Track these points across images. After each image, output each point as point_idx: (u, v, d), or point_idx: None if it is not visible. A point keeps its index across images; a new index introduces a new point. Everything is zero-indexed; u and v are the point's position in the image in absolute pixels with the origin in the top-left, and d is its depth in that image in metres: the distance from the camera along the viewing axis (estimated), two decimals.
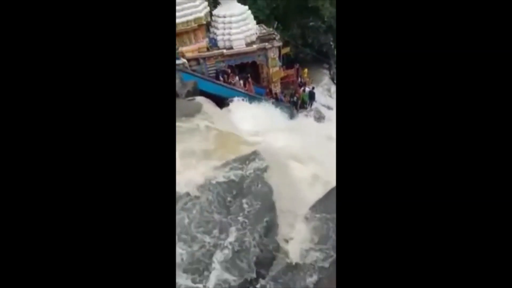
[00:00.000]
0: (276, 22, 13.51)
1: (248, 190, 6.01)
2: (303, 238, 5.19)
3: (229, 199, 5.86)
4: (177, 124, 7.19)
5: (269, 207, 5.74)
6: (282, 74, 11.60)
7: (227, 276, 4.61)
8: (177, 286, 4.24)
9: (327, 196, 5.95)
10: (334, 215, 5.35)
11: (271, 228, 5.39)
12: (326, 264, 4.77)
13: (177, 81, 8.21)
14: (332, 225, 5.31)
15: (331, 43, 14.59)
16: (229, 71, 10.19)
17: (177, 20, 9.32)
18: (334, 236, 5.16)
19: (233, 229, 5.25)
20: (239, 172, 6.58)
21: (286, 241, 5.19)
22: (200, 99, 8.33)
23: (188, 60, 9.39)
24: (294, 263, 4.83)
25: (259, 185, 6.11)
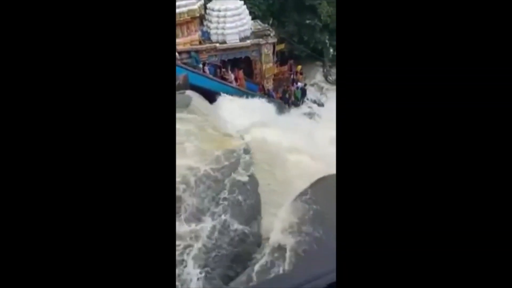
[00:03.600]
0: (272, 19, 13.48)
1: (234, 184, 6.04)
2: (284, 226, 5.26)
3: (215, 194, 5.89)
4: None
5: (255, 200, 5.79)
6: (276, 70, 11.60)
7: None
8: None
9: (311, 187, 6.02)
10: (318, 206, 5.44)
11: (255, 220, 5.45)
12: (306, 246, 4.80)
13: None
14: (315, 208, 5.36)
15: (327, 41, 14.62)
16: (222, 65, 10.16)
17: None
18: (314, 224, 5.22)
19: (215, 220, 5.30)
20: (227, 166, 6.60)
21: (269, 231, 5.28)
22: (190, 93, 8.31)
23: (180, 52, 9.34)
24: (275, 248, 4.93)
25: (246, 179, 6.15)
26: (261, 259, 4.89)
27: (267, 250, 5.04)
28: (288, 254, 4.83)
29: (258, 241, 5.38)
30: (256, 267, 4.76)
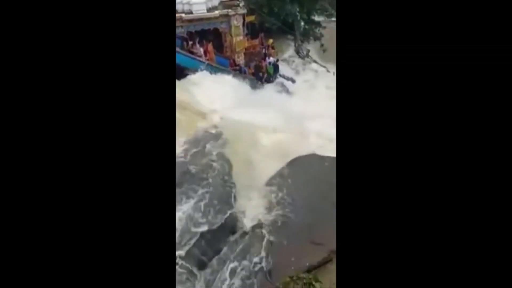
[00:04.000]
0: None
1: (206, 167, 5.78)
2: (257, 207, 5.25)
3: (187, 176, 5.63)
4: None
5: (228, 183, 5.62)
6: (246, 44, 11.09)
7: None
8: None
9: (284, 168, 5.94)
10: (289, 188, 5.40)
11: (228, 203, 5.31)
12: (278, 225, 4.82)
13: None
14: (284, 192, 5.36)
15: (297, 13, 14.21)
16: (188, 38, 9.48)
17: None
18: (287, 200, 5.23)
19: (190, 203, 5.11)
20: (198, 148, 6.30)
21: (242, 212, 5.22)
22: None
23: None
24: (247, 230, 4.91)
25: (218, 161, 5.90)
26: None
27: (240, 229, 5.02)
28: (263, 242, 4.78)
29: (232, 227, 5.22)
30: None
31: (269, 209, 5.25)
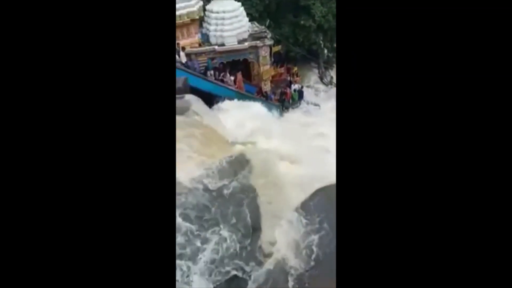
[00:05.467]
0: (268, 20, 13.50)
1: (232, 195, 6.02)
2: (285, 240, 5.27)
3: (210, 203, 5.79)
4: None
5: (254, 211, 5.77)
6: (273, 72, 11.69)
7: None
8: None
9: (311, 197, 5.99)
10: (320, 217, 5.47)
11: (255, 232, 5.36)
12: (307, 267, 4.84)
13: None
14: (315, 226, 5.38)
15: (321, 42, 14.75)
16: (221, 68, 10.21)
17: None
18: (316, 238, 5.26)
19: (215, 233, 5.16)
20: (225, 174, 6.60)
21: (271, 244, 5.30)
22: (189, 97, 8.35)
23: (188, 55, 9.38)
24: (274, 267, 4.88)
25: (244, 189, 6.15)
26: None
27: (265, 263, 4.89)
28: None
29: (257, 255, 5.11)
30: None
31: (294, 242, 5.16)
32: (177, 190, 5.70)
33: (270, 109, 10.02)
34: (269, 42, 10.79)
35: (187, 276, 4.58)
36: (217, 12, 10.35)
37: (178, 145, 6.73)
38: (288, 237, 5.29)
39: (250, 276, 4.77)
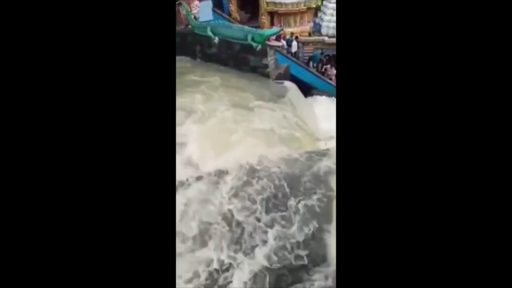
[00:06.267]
0: None
1: (307, 190, 6.01)
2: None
3: (285, 191, 5.92)
4: (259, 103, 7.50)
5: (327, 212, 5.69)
6: None
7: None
8: None
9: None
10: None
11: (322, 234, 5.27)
12: None
13: (272, 61, 8.43)
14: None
15: None
16: (325, 60, 9.97)
17: (288, 0, 9.36)
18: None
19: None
20: (306, 166, 6.60)
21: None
22: (287, 84, 8.46)
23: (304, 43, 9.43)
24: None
25: (321, 186, 6.09)
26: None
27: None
28: None
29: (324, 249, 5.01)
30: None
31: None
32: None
33: None
34: None
35: None
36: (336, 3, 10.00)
37: (270, 126, 6.98)
38: None
39: None
